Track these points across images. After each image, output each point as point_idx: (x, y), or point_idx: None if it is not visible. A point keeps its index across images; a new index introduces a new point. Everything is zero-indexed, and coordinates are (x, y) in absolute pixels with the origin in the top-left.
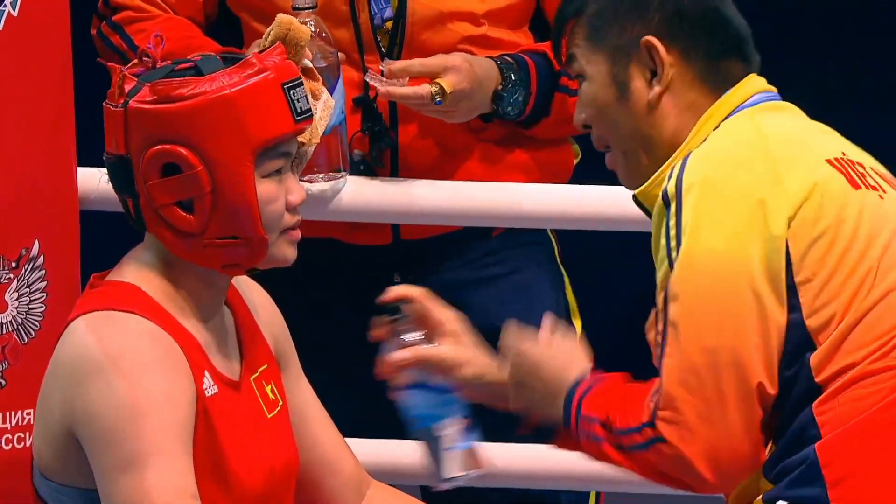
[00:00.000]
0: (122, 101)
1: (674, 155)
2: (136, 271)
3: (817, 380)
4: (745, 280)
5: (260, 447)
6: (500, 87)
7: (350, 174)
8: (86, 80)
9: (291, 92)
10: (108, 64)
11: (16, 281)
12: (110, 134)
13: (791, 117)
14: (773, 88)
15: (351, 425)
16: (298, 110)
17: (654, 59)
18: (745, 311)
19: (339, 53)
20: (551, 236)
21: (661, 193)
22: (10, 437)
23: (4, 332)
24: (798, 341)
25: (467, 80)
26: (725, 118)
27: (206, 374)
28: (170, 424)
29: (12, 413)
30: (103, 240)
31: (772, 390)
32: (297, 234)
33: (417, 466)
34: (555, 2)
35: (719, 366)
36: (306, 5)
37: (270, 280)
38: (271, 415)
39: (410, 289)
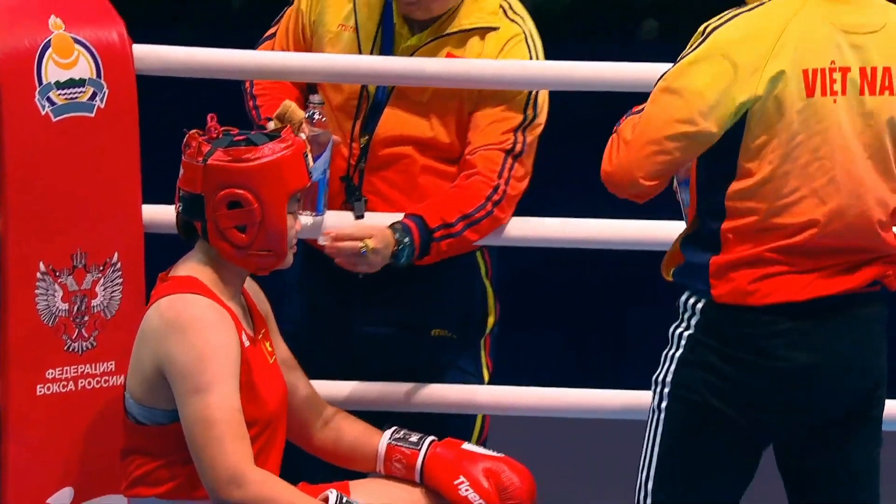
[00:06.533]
0: (200, 158)
1: None
2: (192, 268)
3: (727, 203)
4: (703, 110)
5: (270, 383)
6: (395, 248)
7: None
8: (147, 148)
9: (306, 158)
10: (188, 132)
11: (103, 278)
12: (188, 178)
13: (826, 19)
14: None
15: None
16: (310, 171)
17: None
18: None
19: (334, 136)
20: (480, 259)
21: (705, 24)
22: (100, 379)
23: (95, 311)
24: (729, 170)
25: (381, 243)
26: None
27: (243, 333)
28: (225, 365)
29: (101, 363)
30: (158, 252)
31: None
32: (295, 248)
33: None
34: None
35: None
36: (315, 101)
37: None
38: (271, 361)
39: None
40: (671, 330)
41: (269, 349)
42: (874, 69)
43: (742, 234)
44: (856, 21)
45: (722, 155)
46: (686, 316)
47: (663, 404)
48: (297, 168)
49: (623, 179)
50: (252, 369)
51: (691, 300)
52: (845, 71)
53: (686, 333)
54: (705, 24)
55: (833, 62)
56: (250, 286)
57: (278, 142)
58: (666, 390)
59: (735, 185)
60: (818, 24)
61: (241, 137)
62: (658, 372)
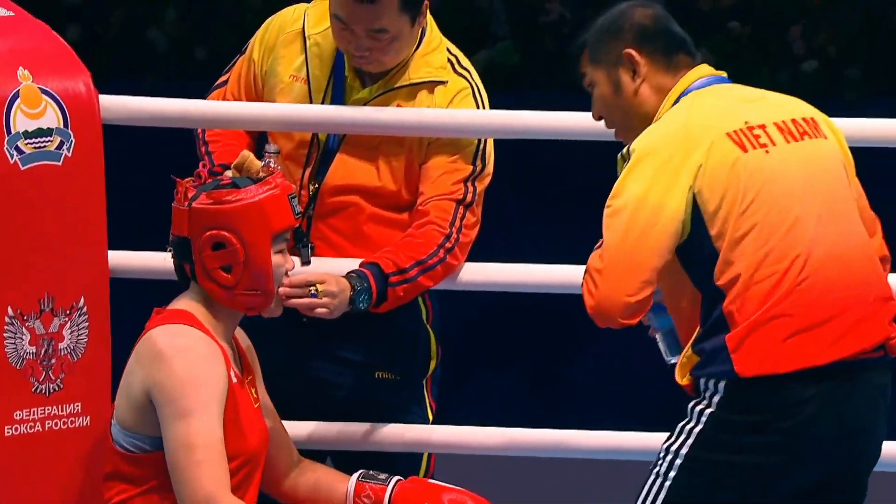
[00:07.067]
0: (186, 203)
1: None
2: (187, 305)
3: (717, 283)
4: (651, 212)
5: (254, 423)
6: (352, 293)
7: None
8: (113, 195)
9: (292, 200)
10: (177, 179)
11: (70, 322)
12: (177, 223)
13: (719, 98)
14: (716, 72)
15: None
16: (296, 212)
17: (633, 62)
18: (649, 226)
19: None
20: (422, 304)
21: (624, 150)
22: (66, 420)
23: (62, 354)
24: (709, 254)
25: (336, 287)
26: (678, 99)
27: (231, 370)
28: (210, 394)
29: (67, 405)
30: (123, 297)
31: (658, 267)
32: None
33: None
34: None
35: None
36: (270, 150)
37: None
38: (255, 406)
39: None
40: (690, 406)
41: (255, 395)
42: (784, 121)
43: (741, 300)
44: (741, 94)
45: (695, 247)
46: (708, 394)
47: (671, 473)
48: (279, 209)
49: (611, 307)
50: (238, 404)
51: (712, 380)
52: (762, 127)
53: (707, 411)
54: (620, 153)
55: (747, 122)
56: (241, 336)
57: (261, 184)
58: (677, 461)
59: (719, 262)
60: (717, 102)
61: (227, 181)
62: (671, 441)
